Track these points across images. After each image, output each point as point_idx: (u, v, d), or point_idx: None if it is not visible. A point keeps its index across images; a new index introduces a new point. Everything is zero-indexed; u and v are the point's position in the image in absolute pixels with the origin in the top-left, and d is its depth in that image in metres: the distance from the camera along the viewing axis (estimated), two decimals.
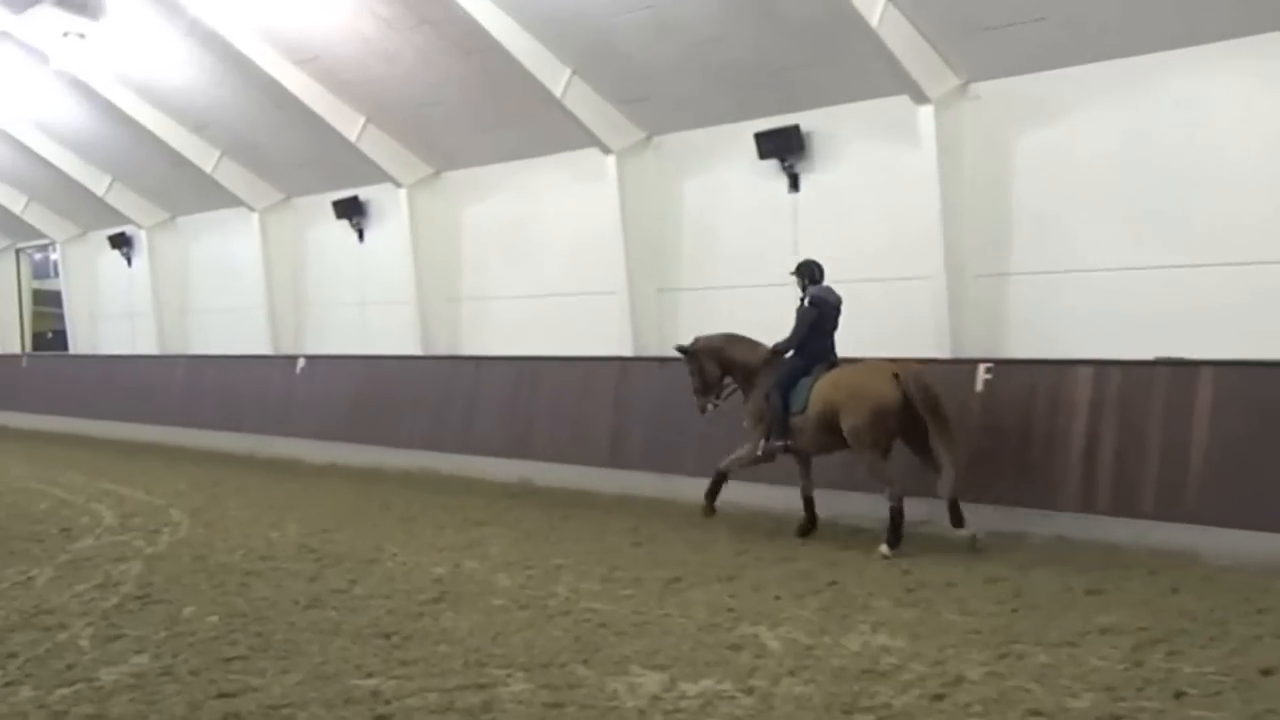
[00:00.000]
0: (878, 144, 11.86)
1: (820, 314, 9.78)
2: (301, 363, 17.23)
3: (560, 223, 14.90)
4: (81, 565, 9.24)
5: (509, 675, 6.25)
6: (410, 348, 16.47)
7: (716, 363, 10.28)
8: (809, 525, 9.88)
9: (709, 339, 10.35)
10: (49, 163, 20.25)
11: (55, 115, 19.14)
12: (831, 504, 10.29)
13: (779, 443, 9.74)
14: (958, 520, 9.06)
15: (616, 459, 12.74)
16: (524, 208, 15.35)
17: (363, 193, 17.30)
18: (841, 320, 9.89)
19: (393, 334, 16.93)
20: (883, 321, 11.46)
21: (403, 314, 16.67)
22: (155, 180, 19.96)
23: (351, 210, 17.45)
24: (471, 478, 13.71)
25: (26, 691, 6.02)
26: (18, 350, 25.74)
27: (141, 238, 21.39)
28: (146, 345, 21.44)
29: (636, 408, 12.89)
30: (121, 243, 21.99)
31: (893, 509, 9.06)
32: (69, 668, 6.42)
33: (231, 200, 18.72)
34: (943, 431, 8.91)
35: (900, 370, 9.15)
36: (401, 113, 15.21)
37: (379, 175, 16.21)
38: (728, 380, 10.23)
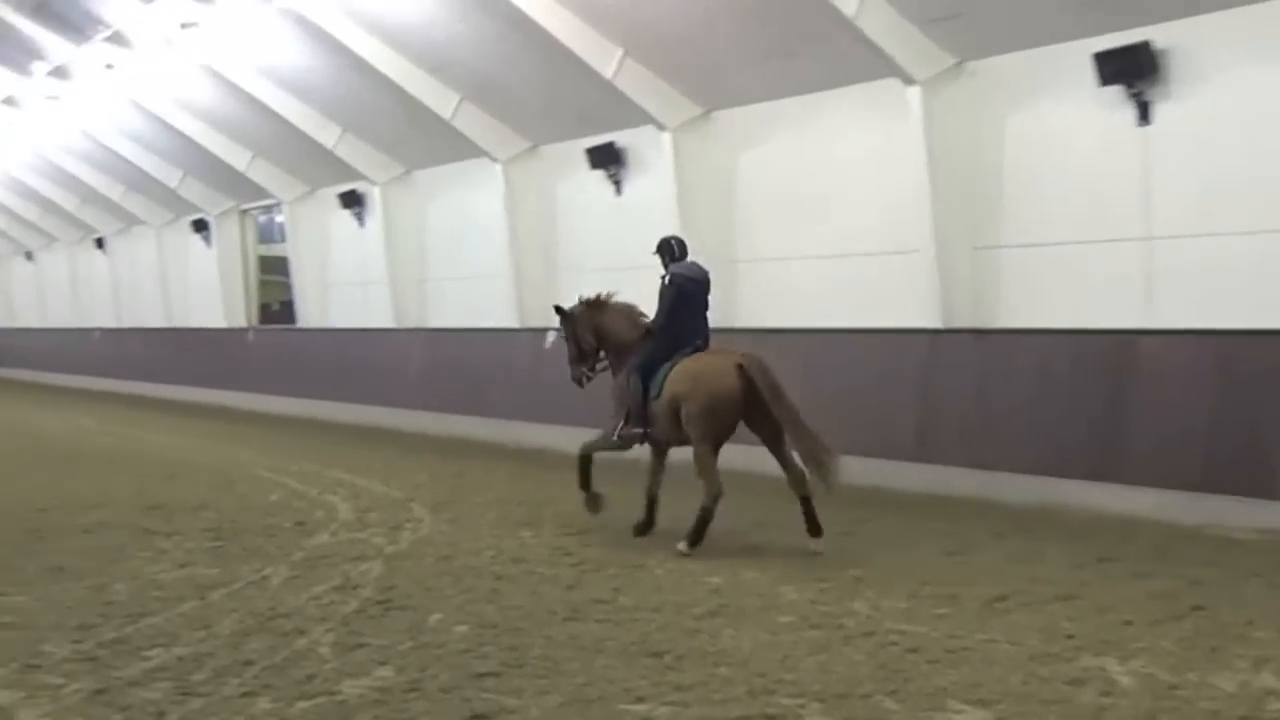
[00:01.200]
0: (1256, 62, 11.22)
1: (680, 292, 10.41)
2: (551, 337, 17.74)
3: (853, 169, 14.79)
4: (318, 564, 9.85)
5: (801, 706, 6.30)
6: None
7: (591, 332, 10.97)
8: (646, 525, 10.56)
9: (589, 303, 11.00)
10: (274, 113, 21.54)
11: (280, 59, 20.34)
12: (1196, 511, 9.86)
13: (637, 430, 10.46)
14: (813, 527, 9.87)
15: (923, 451, 12.59)
16: (809, 152, 15.31)
17: (620, 138, 17.64)
18: (712, 298, 10.52)
19: (656, 301, 17.18)
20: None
21: None
22: (389, 130, 20.95)
23: (607, 158, 17.81)
24: (748, 471, 13.81)
25: (265, 703, 6.48)
26: (244, 323, 27.58)
27: (374, 195, 22.51)
28: (381, 317, 22.57)
29: (948, 390, 12.68)
30: (353, 201, 23.19)
31: (705, 509, 9.85)
32: (309, 679, 6.86)
33: (472, 150, 19.45)
34: (795, 427, 9.66)
35: (745, 360, 9.82)
36: (665, 44, 15.43)
37: (639, 117, 16.50)
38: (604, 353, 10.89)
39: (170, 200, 28.67)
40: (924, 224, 13.62)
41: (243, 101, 21.95)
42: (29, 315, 39.54)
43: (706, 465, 9.93)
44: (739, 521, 11.11)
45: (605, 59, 15.91)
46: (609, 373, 11.06)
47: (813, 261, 15.45)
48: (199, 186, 27.32)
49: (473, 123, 18.99)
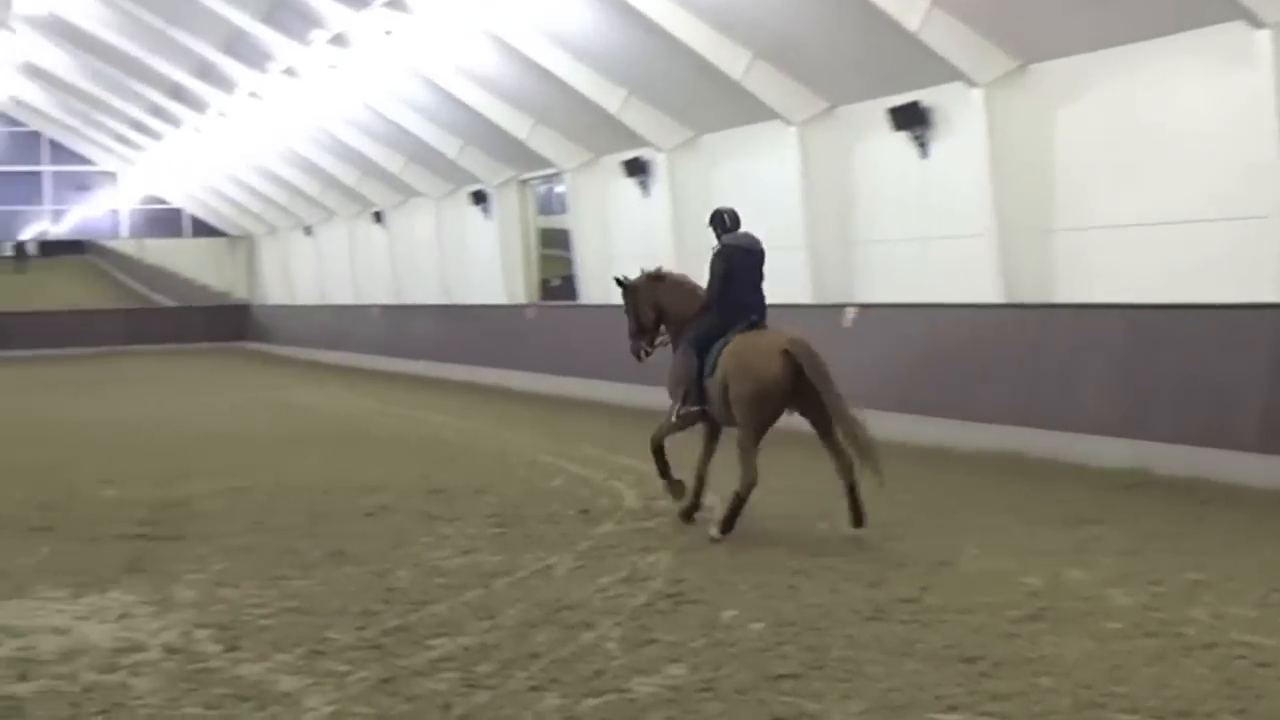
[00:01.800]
0: None
1: (730, 265, 10.80)
2: (850, 314, 17.63)
3: (1189, 126, 14.19)
4: (604, 554, 10.07)
5: None
6: (987, 294, 16.40)
7: (651, 306, 11.49)
8: (693, 507, 11.05)
9: (650, 276, 11.51)
10: (557, 78, 22.04)
11: (564, 22, 20.80)
12: None
13: (694, 408, 10.92)
14: (857, 517, 10.23)
15: (1272, 441, 12.01)
16: (1138, 108, 14.77)
17: (925, 96, 17.39)
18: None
19: (964, 277, 16.93)
20: None
21: (977, 251, 16.62)
22: (675, 93, 21.19)
23: (912, 119, 17.58)
24: (1070, 462, 13.48)
25: (552, 699, 6.67)
26: (523, 299, 28.37)
27: (659, 162, 22.80)
28: None
29: None
30: (637, 169, 23.55)
31: (738, 495, 10.29)
32: (597, 674, 7.03)
33: (764, 113, 19.48)
34: (841, 414, 9.99)
35: (792, 345, 10.15)
36: None
37: (947, 73, 16.22)
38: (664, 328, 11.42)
39: (449, 171, 29.69)
40: (1277, 186, 12.95)
41: (524, 67, 22.54)
42: (307, 292, 41.62)
43: (745, 450, 10.39)
44: (1065, 515, 10.84)
45: (910, 9, 15.69)
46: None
47: (1139, 230, 14.90)
48: (478, 156, 28.20)
49: (764, 83, 19.01)
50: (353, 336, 36.39)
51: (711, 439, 11.12)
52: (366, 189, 34.15)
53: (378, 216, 35.08)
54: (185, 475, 14.71)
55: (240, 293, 48.88)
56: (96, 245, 68.30)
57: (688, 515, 11.12)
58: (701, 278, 11.36)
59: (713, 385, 10.69)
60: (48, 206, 45.48)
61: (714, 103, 20.50)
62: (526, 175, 28.14)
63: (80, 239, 57.15)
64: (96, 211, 46.09)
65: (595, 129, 23.52)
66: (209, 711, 6.63)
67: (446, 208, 31.24)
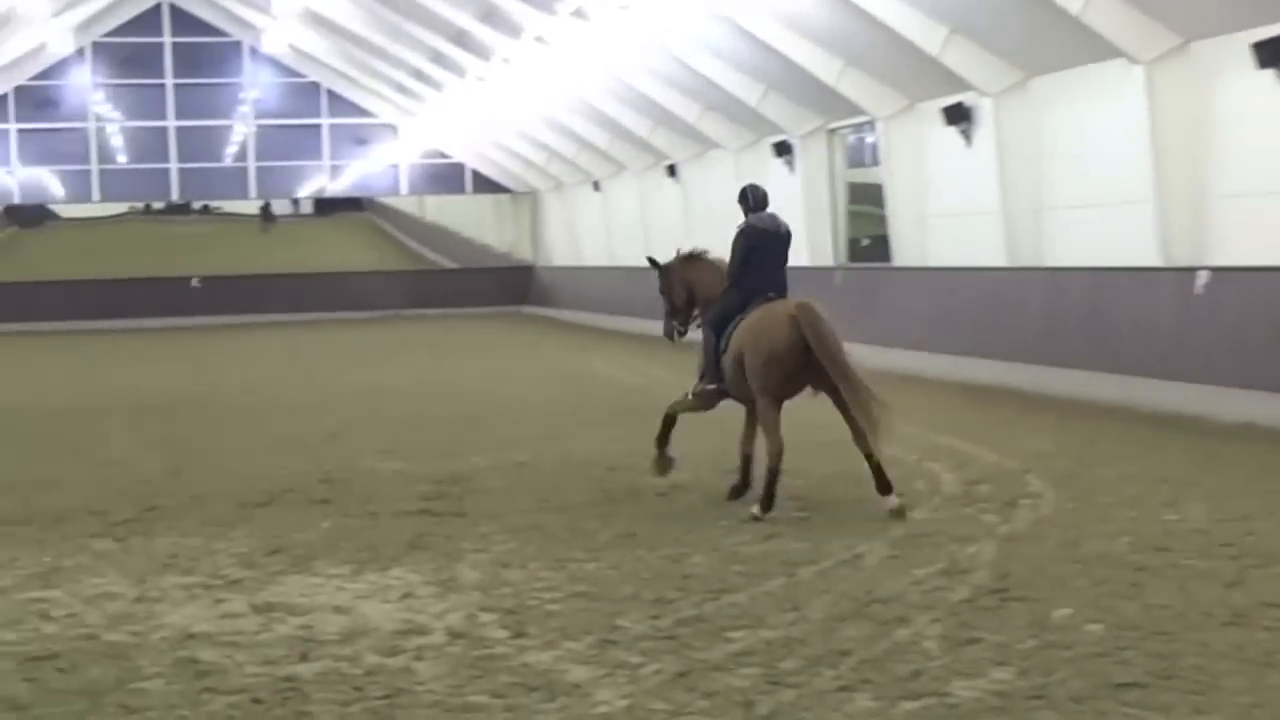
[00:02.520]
0: None
1: (751, 245, 11.76)
2: (1203, 278, 17.04)
3: None
4: (920, 543, 10.00)
5: None
6: None
7: (683, 286, 12.47)
8: (741, 486, 11.87)
9: (684, 257, 12.54)
10: (871, 15, 21.85)
11: None
12: None
13: (711, 385, 11.91)
14: (881, 485, 10.94)
15: None
16: None
17: None
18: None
19: None
20: None
21: None
22: (1003, 30, 20.76)
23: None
24: None
25: (864, 700, 6.66)
26: (829, 261, 28.28)
27: (984, 108, 22.41)
28: (990, 254, 22.47)
29: None
30: (958, 116, 23.20)
31: (770, 470, 11.04)
32: (914, 675, 6.99)
33: (1105, 50, 18.93)
34: (845, 379, 10.80)
35: (798, 310, 10.99)
36: None
37: None
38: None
39: (750, 120, 29.78)
40: None
41: (834, 3, 22.41)
42: (595, 253, 42.36)
43: (767, 421, 11.26)
44: None
45: None
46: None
47: None
48: (782, 103, 28.19)
49: (1106, 16, 18.47)
50: (642, 301, 36.84)
51: (750, 416, 11.89)
52: (659, 140, 34.53)
53: (671, 170, 35.44)
54: (468, 448, 15.19)
55: (523, 253, 50.09)
56: (375, 202, 70.90)
57: (735, 493, 11.85)
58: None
59: (728, 362, 11.62)
60: (326, 161, 47.38)
61: (1047, 40, 20.02)
62: (835, 124, 28.01)
63: (358, 196, 59.47)
64: (375, 166, 47.79)
65: (912, 72, 23.24)
66: (495, 700, 6.84)
67: (746, 160, 31.33)
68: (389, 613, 8.48)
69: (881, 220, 26.46)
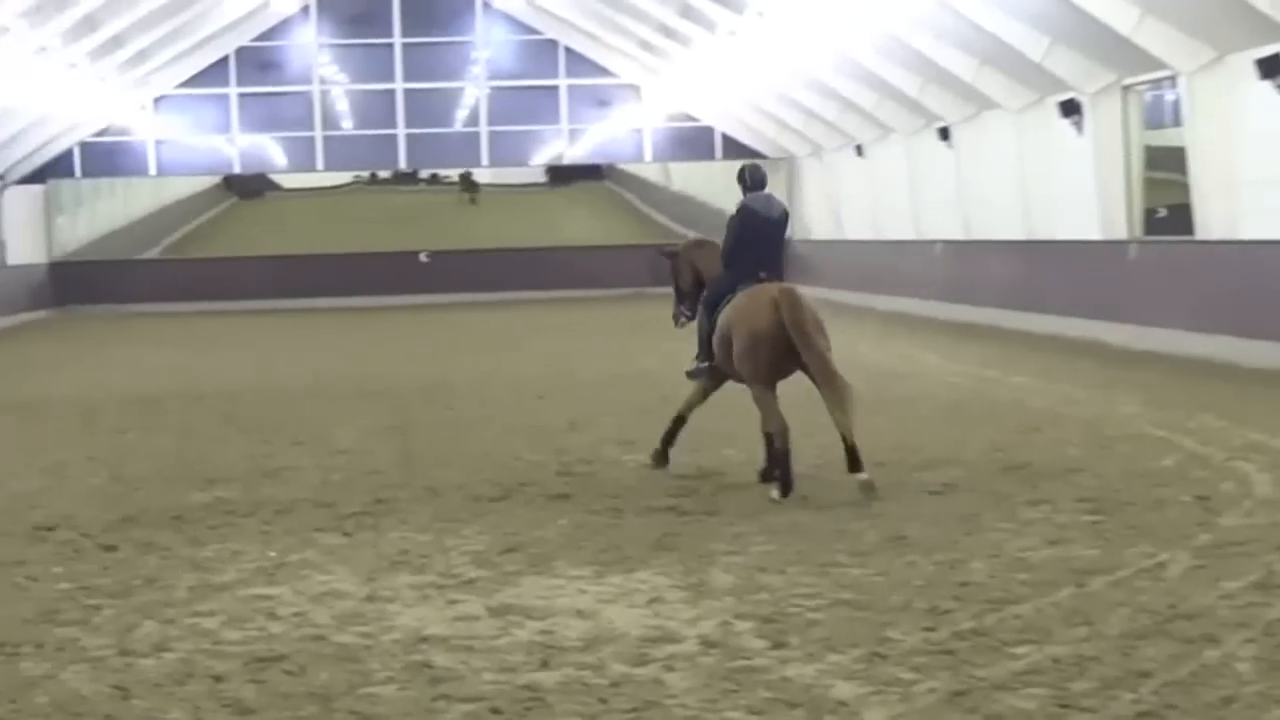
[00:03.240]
0: None
1: (744, 224, 12.99)
2: None
3: None
4: (1230, 552, 9.76)
5: None
6: None
7: (690, 271, 13.92)
8: (661, 455, 13.68)
9: (693, 243, 14.07)
10: None
11: None
12: None
13: (704, 364, 13.29)
14: (851, 462, 12.11)
15: None
16: None
17: None
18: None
19: None
20: None
21: None
22: None
23: None
24: None
25: None
26: (1122, 234, 27.67)
27: None
28: None
29: None
30: (1276, 69, 22.45)
31: (777, 451, 12.31)
32: (1225, 702, 6.82)
33: None
34: (815, 362, 12.07)
35: (779, 294, 12.22)
36: None
37: None
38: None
39: (1032, 76, 29.26)
40: None
41: None
42: (857, 224, 42.12)
43: (762, 403, 12.53)
44: None
45: None
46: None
47: None
48: (1070, 57, 27.64)
49: None
50: (909, 278, 36.58)
51: (707, 388, 13.61)
52: (930, 99, 34.15)
53: (943, 133, 35.04)
54: (719, 440, 15.25)
55: None
56: (616, 170, 71.60)
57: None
58: None
59: (717, 341, 12.88)
60: (564, 125, 47.94)
61: None
62: (1130, 80, 27.34)
63: (598, 163, 60.02)
64: (617, 131, 48.23)
65: (1222, 19, 22.56)
66: (752, 717, 6.88)
67: (1028, 121, 30.81)
68: (635, 618, 8.57)
69: (1182, 188, 25.77)
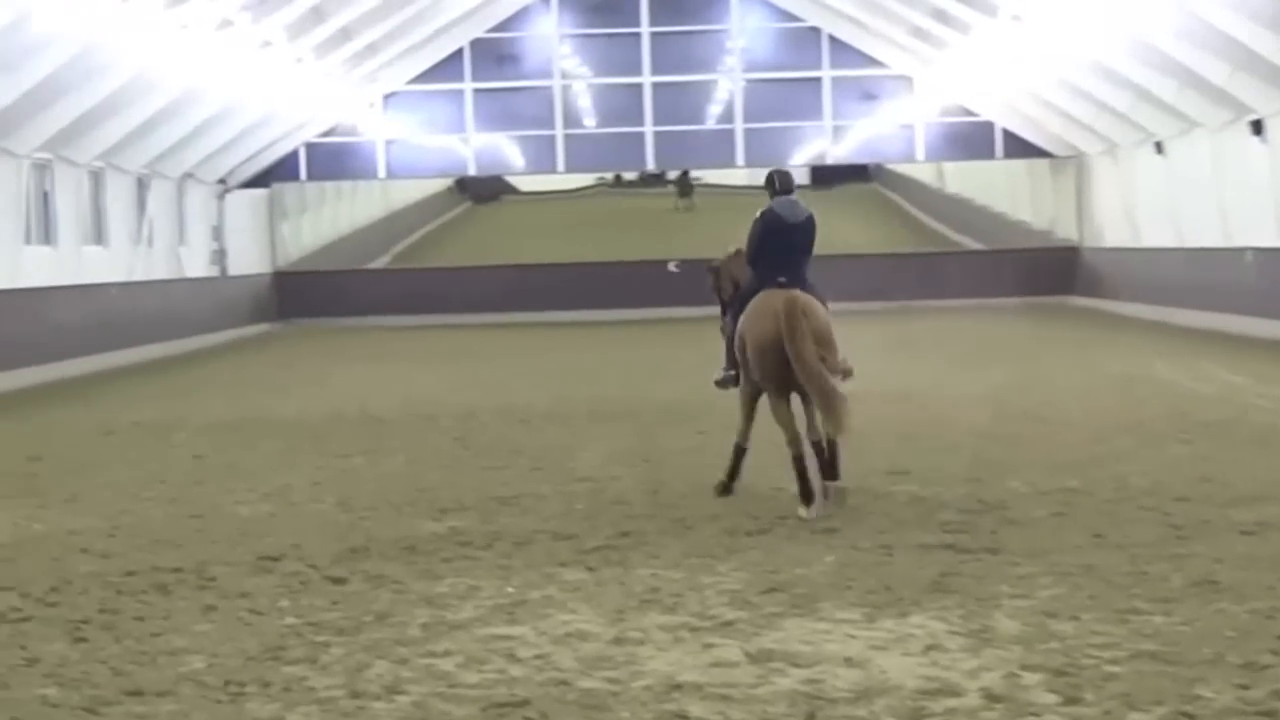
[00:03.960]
0: None
1: (768, 229, 13.98)
2: None
3: None
4: None
5: None
6: None
7: (730, 282, 15.08)
8: (726, 485, 14.36)
9: (732, 254, 15.18)
10: None
11: None
12: None
13: (730, 371, 14.53)
14: (828, 469, 13.49)
15: None
16: None
17: None
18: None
19: None
20: None
21: None
22: None
23: None
24: None
25: None
26: None
27: None
28: None
29: None
30: None
31: (794, 460, 13.32)
32: None
33: None
34: (803, 372, 13.00)
35: (785, 302, 13.17)
36: None
37: None
38: None
39: None
40: None
41: None
42: (1157, 230, 41.22)
43: (775, 412, 13.62)
44: None
45: None
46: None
47: None
48: None
49: None
50: (1215, 290, 35.73)
51: (752, 410, 14.28)
52: (1239, 88, 33.33)
53: (1256, 126, 34.18)
54: (1000, 470, 15.07)
55: (1066, 231, 49.25)
56: (883, 170, 71.17)
57: (722, 490, 14.32)
58: None
59: (737, 349, 14.14)
60: (827, 122, 47.74)
61: None
62: None
63: (863, 162, 59.68)
64: (885, 127, 47.88)
65: None
66: None
67: None
68: (910, 668, 8.49)
69: None
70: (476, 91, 46.99)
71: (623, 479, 15.60)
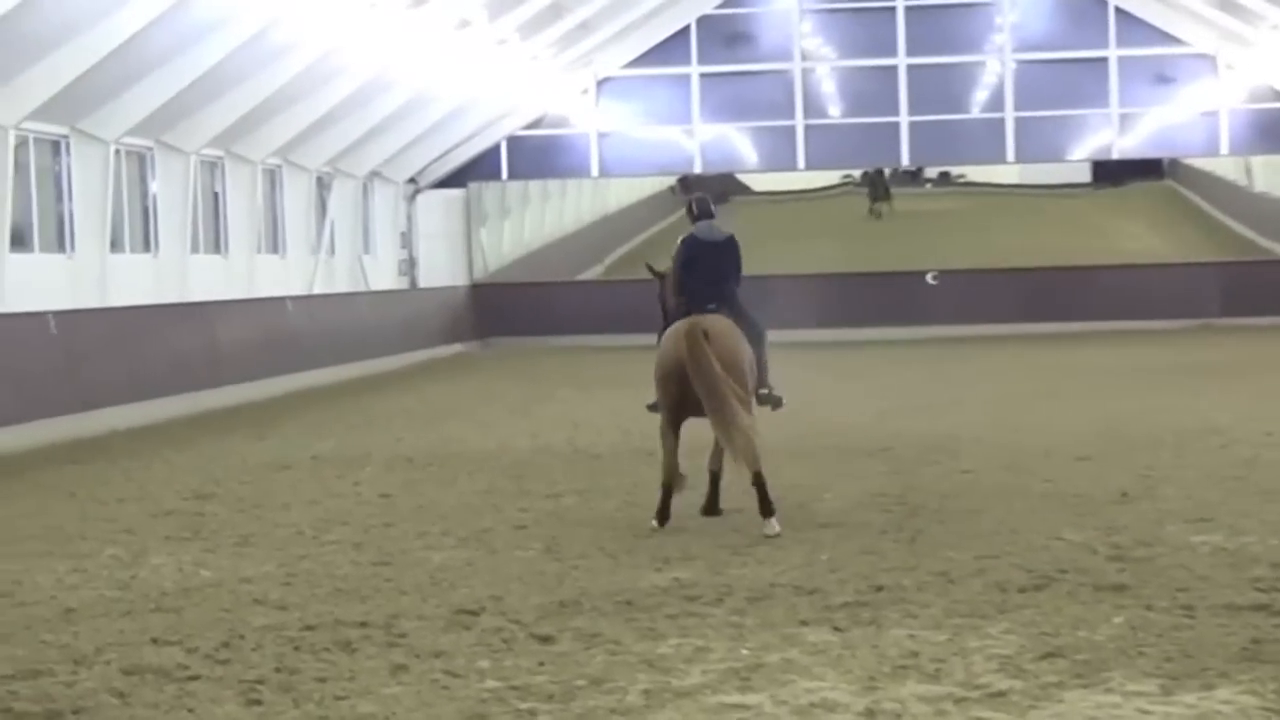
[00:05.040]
0: None
1: (690, 255, 16.54)
2: None
3: None
4: None
5: None
6: None
7: (674, 292, 16.72)
8: (709, 505, 16.32)
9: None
10: None
11: None
12: None
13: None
14: (707, 503, 16.27)
15: None
16: None
17: None
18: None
19: None
20: None
21: None
22: None
23: None
24: None
25: None
26: None
27: None
28: None
29: None
30: None
31: (663, 486, 15.83)
32: None
33: None
34: (710, 400, 14.95)
35: (689, 329, 15.17)
36: None
37: None
38: None
39: None
40: None
41: None
42: None
43: (663, 439, 15.99)
44: None
45: None
46: None
47: None
48: None
49: None
50: None
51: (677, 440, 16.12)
52: None
53: None
54: None
55: None
56: (1179, 166, 70.13)
57: (707, 510, 16.28)
58: None
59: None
60: (1114, 109, 46.99)
61: None
62: None
63: (1158, 157, 58.75)
64: (1182, 115, 47.02)
65: None
66: None
67: None
68: None
69: None
70: (704, 76, 47.03)
71: (874, 525, 15.54)
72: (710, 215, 16.91)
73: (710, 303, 16.20)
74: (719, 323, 15.68)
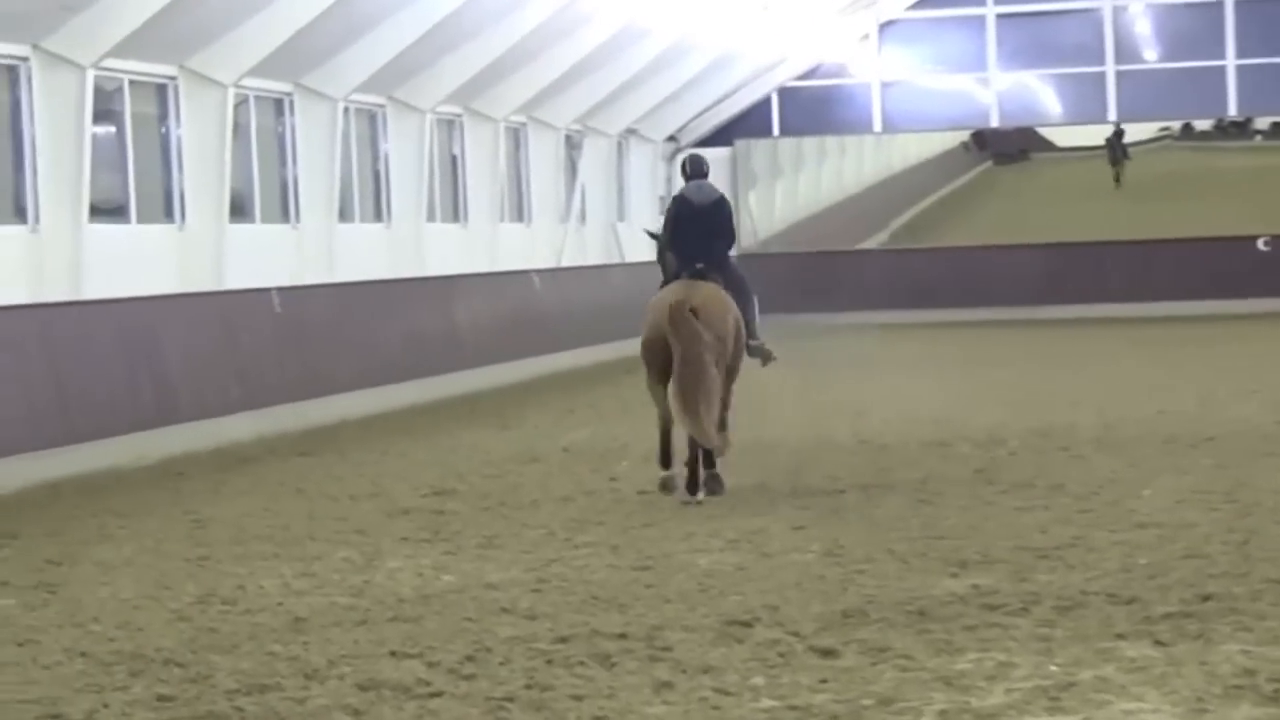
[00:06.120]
0: None
1: (678, 214, 18.69)
2: None
3: None
4: None
5: None
6: None
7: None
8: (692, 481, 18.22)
9: None
10: None
11: None
12: None
13: None
14: (690, 482, 17.98)
15: None
16: None
17: None
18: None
19: None
20: None
21: None
22: None
23: None
24: None
25: None
26: None
27: None
28: None
29: None
30: None
31: (660, 431, 18.54)
32: None
33: None
34: (678, 370, 17.33)
35: (676, 300, 17.60)
36: None
37: None
38: None
39: None
40: None
41: None
42: None
43: (651, 390, 18.22)
44: None
45: None
46: None
47: None
48: None
49: None
50: None
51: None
52: None
53: None
54: None
55: None
56: None
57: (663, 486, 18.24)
58: None
59: None
60: None
61: None
62: None
63: None
64: None
65: None
66: None
67: None
68: None
69: None
70: (1001, 18, 46.60)
71: (1200, 526, 15.37)
72: (703, 175, 18.88)
73: (698, 261, 18.24)
74: (705, 293, 17.87)
